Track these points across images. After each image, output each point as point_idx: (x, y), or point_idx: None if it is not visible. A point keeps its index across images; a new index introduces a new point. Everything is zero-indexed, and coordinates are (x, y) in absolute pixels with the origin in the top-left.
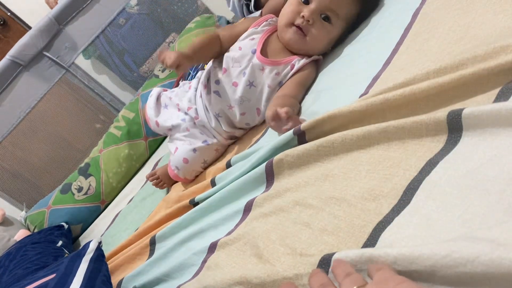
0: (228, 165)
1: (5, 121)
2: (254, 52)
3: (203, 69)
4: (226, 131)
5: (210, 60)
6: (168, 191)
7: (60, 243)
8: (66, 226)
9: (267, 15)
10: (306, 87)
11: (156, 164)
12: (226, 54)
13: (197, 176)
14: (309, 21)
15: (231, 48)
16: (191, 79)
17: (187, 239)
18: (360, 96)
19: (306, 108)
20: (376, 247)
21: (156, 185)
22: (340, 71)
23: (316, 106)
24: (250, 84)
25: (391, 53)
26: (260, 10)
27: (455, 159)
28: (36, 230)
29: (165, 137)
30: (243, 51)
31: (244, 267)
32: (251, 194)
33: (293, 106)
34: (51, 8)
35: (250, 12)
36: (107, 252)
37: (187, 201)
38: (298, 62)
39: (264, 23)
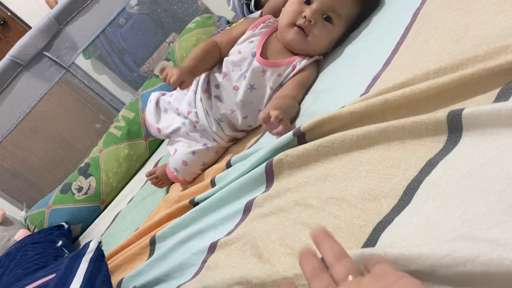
0: (228, 165)
1: (5, 121)
2: (254, 55)
3: None
4: (227, 135)
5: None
6: (168, 191)
7: (60, 243)
8: (66, 226)
9: (264, 17)
10: (306, 88)
11: (156, 164)
12: (225, 59)
13: (196, 177)
14: (310, 21)
15: (230, 52)
16: None
17: (187, 239)
18: (361, 96)
19: (306, 108)
20: (376, 247)
21: (155, 184)
22: (340, 71)
23: (316, 106)
24: (251, 87)
25: (391, 53)
26: (260, 10)
27: (455, 159)
28: (36, 230)
29: None
30: (243, 54)
31: (244, 267)
32: (251, 194)
33: (291, 108)
34: (51, 8)
35: (250, 12)
36: (107, 252)
37: (187, 201)
38: (300, 62)
39: (261, 25)
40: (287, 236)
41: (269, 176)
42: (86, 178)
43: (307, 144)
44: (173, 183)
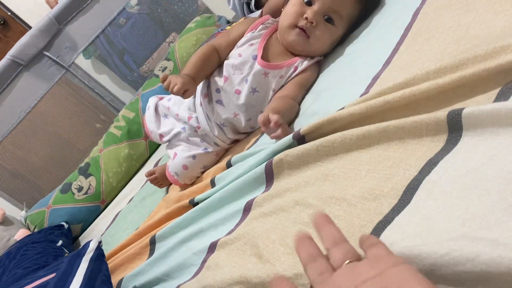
0: (229, 165)
1: (5, 121)
2: (255, 58)
3: None
4: (229, 138)
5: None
6: (168, 191)
7: (60, 242)
8: (66, 225)
9: (263, 17)
10: (306, 88)
11: (156, 164)
12: (226, 62)
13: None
14: (312, 22)
15: (230, 55)
16: None
17: (187, 239)
18: (361, 96)
19: (306, 108)
20: None
21: (154, 184)
22: (340, 71)
23: (316, 106)
24: (254, 90)
25: (391, 53)
26: (260, 10)
27: (455, 159)
28: (36, 230)
29: None
30: (243, 57)
31: (244, 267)
32: (251, 194)
33: (291, 109)
34: (51, 7)
35: (250, 11)
36: (107, 251)
37: (187, 201)
38: (301, 64)
39: (260, 26)
40: (287, 236)
41: (269, 176)
42: (86, 178)
43: (307, 144)
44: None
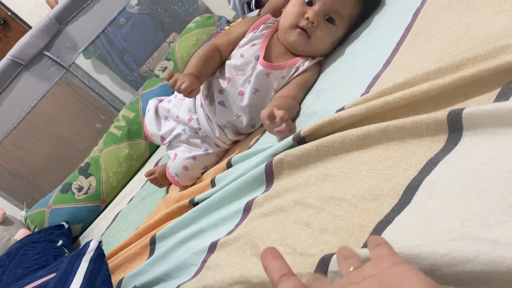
0: (229, 165)
1: (6, 121)
2: (257, 58)
3: None
4: (230, 139)
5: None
6: (168, 191)
7: (60, 242)
8: (66, 225)
9: (264, 17)
10: (307, 88)
11: (156, 164)
12: (227, 63)
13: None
14: (313, 23)
15: (232, 55)
16: None
17: (187, 239)
18: (361, 96)
19: (306, 108)
20: None
21: (155, 184)
22: (340, 71)
23: (316, 106)
24: (256, 90)
25: (391, 52)
26: (258, 10)
27: (455, 159)
28: (36, 230)
29: None
30: (246, 58)
31: (244, 267)
32: (251, 195)
33: (292, 108)
34: (52, 7)
35: (251, 11)
36: (107, 251)
37: (187, 201)
38: (303, 64)
39: (262, 26)
40: (287, 236)
41: (269, 176)
42: (86, 178)
43: (307, 144)
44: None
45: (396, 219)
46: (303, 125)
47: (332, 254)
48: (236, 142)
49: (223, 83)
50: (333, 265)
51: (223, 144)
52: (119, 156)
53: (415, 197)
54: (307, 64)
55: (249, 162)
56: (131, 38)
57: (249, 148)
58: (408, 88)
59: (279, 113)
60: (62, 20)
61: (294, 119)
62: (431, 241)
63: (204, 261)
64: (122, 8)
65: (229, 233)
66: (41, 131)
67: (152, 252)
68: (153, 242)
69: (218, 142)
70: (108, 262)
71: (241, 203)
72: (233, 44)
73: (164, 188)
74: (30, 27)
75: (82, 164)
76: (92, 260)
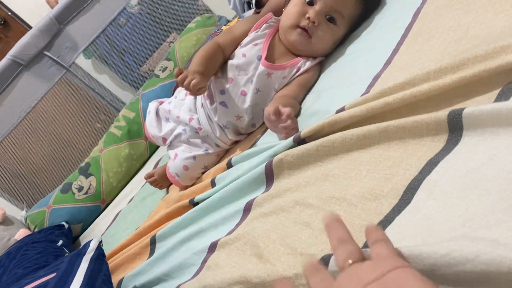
0: (229, 165)
1: (6, 121)
2: (259, 58)
3: None
4: (231, 139)
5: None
6: (168, 191)
7: (60, 242)
8: (66, 225)
9: (265, 16)
10: (307, 88)
11: (156, 164)
12: (230, 62)
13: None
14: (314, 22)
15: (234, 54)
16: None
17: (187, 239)
18: (361, 96)
19: (306, 108)
20: None
21: (154, 186)
22: (340, 70)
23: (317, 105)
24: (257, 90)
25: (391, 52)
26: (254, 9)
27: (455, 159)
28: (36, 230)
29: None
30: (248, 58)
31: (244, 267)
32: (251, 195)
33: (293, 107)
34: (52, 7)
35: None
36: (107, 251)
37: (187, 201)
38: (304, 64)
39: (264, 25)
40: (288, 236)
41: (269, 177)
42: (86, 178)
43: (307, 144)
44: (172, 184)
45: (396, 219)
46: (303, 125)
47: (332, 254)
48: (236, 142)
49: (225, 83)
50: (332, 265)
51: (223, 144)
52: (119, 156)
53: (415, 197)
54: (308, 64)
55: (249, 163)
56: (131, 38)
57: (249, 148)
58: (409, 88)
59: (285, 110)
60: (62, 20)
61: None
62: (431, 241)
63: (204, 261)
64: (122, 8)
65: (229, 233)
66: (41, 131)
67: (152, 252)
68: (153, 242)
69: (218, 142)
70: (108, 262)
71: (241, 203)
72: (236, 43)
73: (164, 188)
74: (30, 27)
75: (82, 164)
76: (92, 260)
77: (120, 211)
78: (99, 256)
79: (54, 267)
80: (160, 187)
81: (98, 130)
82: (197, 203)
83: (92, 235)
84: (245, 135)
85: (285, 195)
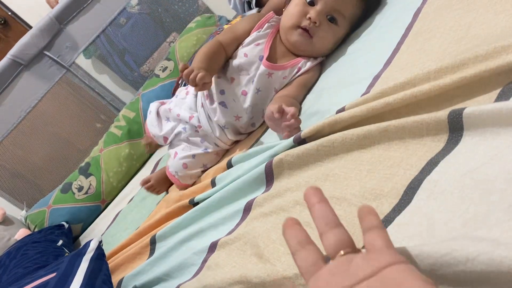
0: (229, 165)
1: (6, 121)
2: (261, 59)
3: None
4: (230, 139)
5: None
6: (168, 191)
7: (60, 242)
8: (66, 225)
9: (267, 15)
10: (308, 88)
11: (157, 164)
12: (231, 62)
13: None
14: (315, 22)
15: (236, 54)
16: (187, 85)
17: (187, 239)
18: (361, 96)
19: (306, 108)
20: None
21: (152, 191)
22: (341, 70)
23: (317, 105)
24: (258, 90)
25: (392, 52)
26: (256, 9)
27: (456, 159)
28: (36, 230)
29: None
30: (250, 58)
31: (245, 267)
32: (251, 195)
33: (295, 107)
34: (52, 7)
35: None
36: (107, 251)
37: (187, 200)
38: (305, 64)
39: (266, 25)
40: None
41: (269, 177)
42: (86, 178)
43: (307, 144)
44: (170, 186)
45: (396, 219)
46: (303, 125)
47: None
48: (236, 142)
49: (226, 83)
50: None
51: (223, 144)
52: (119, 156)
53: (415, 196)
54: (309, 64)
55: (249, 163)
56: (131, 38)
57: (249, 148)
58: (409, 88)
59: (290, 109)
60: (62, 20)
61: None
62: (431, 240)
63: (204, 261)
64: (123, 8)
65: (230, 233)
66: (41, 131)
67: (152, 252)
68: (153, 242)
69: (218, 142)
70: (108, 262)
71: (241, 203)
72: (237, 42)
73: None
74: (30, 27)
75: (82, 164)
76: (92, 259)
77: (120, 211)
78: (99, 256)
79: (54, 266)
80: (157, 192)
81: (98, 130)
82: (197, 203)
83: (92, 235)
84: (245, 135)
85: (285, 195)
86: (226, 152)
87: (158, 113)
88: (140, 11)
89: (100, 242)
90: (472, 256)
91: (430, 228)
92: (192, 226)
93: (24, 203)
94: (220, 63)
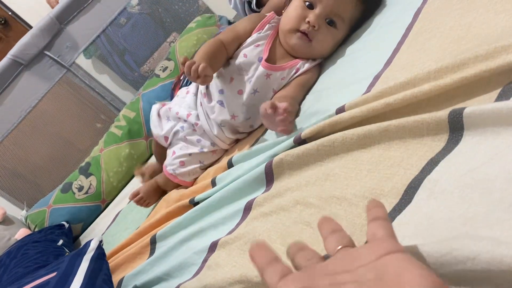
0: (230, 164)
1: (6, 120)
2: (260, 60)
3: None
4: (229, 138)
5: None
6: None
7: (60, 242)
8: (66, 225)
9: (268, 16)
10: (307, 89)
11: None
12: (231, 62)
13: (196, 178)
14: (314, 26)
15: (236, 54)
16: (188, 84)
17: (187, 238)
18: (362, 96)
19: (306, 108)
20: None
21: (141, 204)
22: (341, 70)
23: (317, 105)
24: (255, 91)
25: (392, 52)
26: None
27: (456, 158)
28: (36, 229)
29: None
30: (249, 58)
31: (245, 266)
32: (251, 195)
33: (292, 107)
34: (52, 7)
35: (252, 11)
36: (107, 251)
37: (187, 200)
38: (303, 65)
39: (267, 26)
40: (288, 235)
41: (269, 177)
42: (86, 178)
43: (307, 144)
44: (161, 196)
45: (397, 218)
46: (303, 125)
47: None
48: (237, 141)
49: (225, 83)
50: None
51: (221, 143)
52: (119, 156)
53: (416, 196)
54: (307, 66)
55: (249, 163)
56: (131, 38)
57: (250, 147)
58: (409, 88)
59: (282, 104)
60: (62, 19)
61: (294, 119)
62: (432, 240)
63: (205, 260)
64: (123, 8)
65: (230, 232)
66: (42, 131)
67: (152, 251)
68: (153, 242)
69: (216, 140)
70: (108, 261)
71: (242, 203)
72: (238, 41)
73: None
74: (30, 27)
75: (83, 164)
76: (92, 259)
77: (120, 210)
78: (100, 255)
79: (54, 266)
80: (147, 205)
81: (98, 130)
82: (198, 203)
83: (93, 235)
84: (245, 134)
85: (286, 194)
86: (227, 151)
87: (159, 114)
88: (141, 11)
89: (101, 241)
90: (472, 255)
91: (430, 227)
92: (192, 226)
93: (24, 203)
94: (221, 61)
